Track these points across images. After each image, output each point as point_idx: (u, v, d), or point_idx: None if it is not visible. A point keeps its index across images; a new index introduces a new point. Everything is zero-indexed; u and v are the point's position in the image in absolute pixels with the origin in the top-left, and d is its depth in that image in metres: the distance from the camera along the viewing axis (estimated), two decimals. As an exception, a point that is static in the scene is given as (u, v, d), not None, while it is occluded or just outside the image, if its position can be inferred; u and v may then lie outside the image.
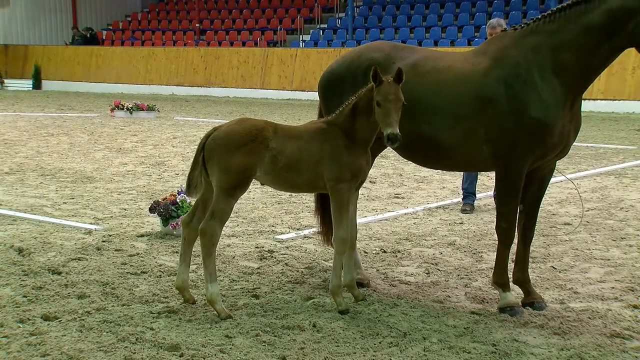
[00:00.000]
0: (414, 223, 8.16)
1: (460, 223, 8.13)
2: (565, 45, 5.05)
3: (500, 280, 5.37)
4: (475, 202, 8.85)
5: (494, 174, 5.50)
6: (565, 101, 5.10)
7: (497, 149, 5.17)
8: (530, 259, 6.68)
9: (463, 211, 8.63)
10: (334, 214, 5.24)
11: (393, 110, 4.88)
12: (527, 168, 5.19)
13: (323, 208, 5.99)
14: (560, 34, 5.08)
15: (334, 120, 5.29)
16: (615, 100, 21.06)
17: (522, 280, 5.52)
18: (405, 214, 8.55)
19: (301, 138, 5.22)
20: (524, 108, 5.05)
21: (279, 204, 9.06)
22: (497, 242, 5.48)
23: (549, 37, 5.10)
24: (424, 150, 5.42)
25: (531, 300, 5.42)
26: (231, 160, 5.06)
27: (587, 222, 7.99)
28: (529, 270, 6.37)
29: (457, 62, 5.42)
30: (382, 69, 5.34)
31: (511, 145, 5.10)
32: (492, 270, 5.57)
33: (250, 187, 5.35)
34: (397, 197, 9.57)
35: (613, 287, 5.89)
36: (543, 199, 5.60)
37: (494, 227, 5.51)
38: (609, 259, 6.67)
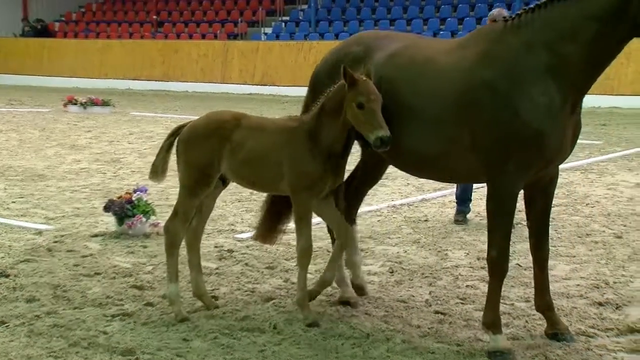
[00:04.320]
0: (378, 221, 8.18)
1: (425, 220, 8.17)
2: (565, 38, 4.46)
3: (489, 321, 4.73)
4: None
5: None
6: (564, 105, 4.52)
7: (486, 160, 4.63)
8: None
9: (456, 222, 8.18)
10: (294, 222, 5.12)
11: (378, 110, 4.65)
12: (522, 184, 4.67)
13: (272, 202, 5.58)
14: (558, 24, 4.49)
15: (304, 119, 5.07)
16: (582, 94, 21.44)
17: (544, 307, 5.01)
18: (368, 211, 8.56)
19: (265, 132, 5.07)
20: (514, 114, 4.48)
21: (239, 201, 9.01)
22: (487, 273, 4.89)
23: (545, 30, 4.51)
24: (404, 157, 4.95)
25: (554, 331, 4.90)
26: (190, 156, 5.07)
27: (553, 218, 8.08)
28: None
29: (440, 55, 4.90)
30: (362, 63, 5.01)
31: (502, 157, 4.54)
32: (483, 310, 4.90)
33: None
34: (361, 194, 9.58)
35: (578, 285, 5.98)
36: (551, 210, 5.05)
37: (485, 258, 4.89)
38: (574, 256, 6.77)
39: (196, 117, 5.41)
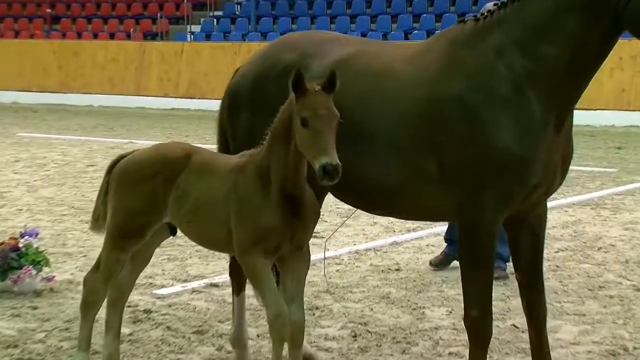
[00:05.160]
0: (337, 270, 8.19)
1: (397, 270, 8.20)
2: (542, 37, 4.61)
3: None
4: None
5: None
6: (547, 120, 4.64)
7: (456, 192, 4.69)
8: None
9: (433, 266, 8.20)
10: (255, 292, 5.02)
11: (327, 130, 4.42)
12: (501, 221, 4.73)
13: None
14: (533, 20, 4.63)
15: (255, 155, 4.87)
16: (590, 110, 21.66)
17: None
18: (325, 258, 8.55)
19: (215, 175, 4.91)
20: (488, 134, 4.60)
21: (159, 247, 8.90)
22: (466, 336, 4.90)
23: (519, 29, 4.66)
24: (358, 190, 4.95)
25: None
26: (124, 198, 5.00)
27: (557, 266, 8.19)
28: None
29: (399, 62, 4.97)
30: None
31: (476, 188, 4.63)
32: None
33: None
34: (315, 237, 9.54)
35: (590, 351, 6.03)
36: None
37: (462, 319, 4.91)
38: (584, 314, 6.84)
39: (139, 146, 5.35)
